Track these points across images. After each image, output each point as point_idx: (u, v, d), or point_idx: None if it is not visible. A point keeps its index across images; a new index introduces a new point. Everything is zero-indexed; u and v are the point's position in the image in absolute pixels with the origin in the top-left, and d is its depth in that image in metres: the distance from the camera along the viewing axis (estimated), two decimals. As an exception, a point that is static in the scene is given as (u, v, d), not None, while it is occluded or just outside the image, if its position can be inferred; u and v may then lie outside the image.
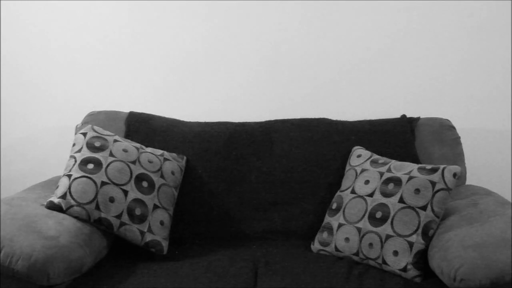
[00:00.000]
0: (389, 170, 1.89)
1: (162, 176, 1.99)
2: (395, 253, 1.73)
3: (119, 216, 1.83)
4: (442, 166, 1.82)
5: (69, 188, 1.82)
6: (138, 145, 2.05)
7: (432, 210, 1.75)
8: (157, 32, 2.46)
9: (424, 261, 1.71)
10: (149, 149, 2.06)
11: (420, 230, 1.73)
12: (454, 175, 1.79)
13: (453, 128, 2.20)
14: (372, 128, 2.17)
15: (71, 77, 2.51)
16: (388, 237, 1.76)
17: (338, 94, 2.42)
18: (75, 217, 1.78)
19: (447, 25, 2.35)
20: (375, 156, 2.03)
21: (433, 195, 1.76)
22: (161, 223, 1.92)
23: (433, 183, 1.78)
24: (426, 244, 1.72)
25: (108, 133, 2.03)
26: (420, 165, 1.89)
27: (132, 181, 1.90)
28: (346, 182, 2.01)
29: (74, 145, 1.97)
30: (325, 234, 1.94)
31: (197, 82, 2.49)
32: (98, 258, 1.78)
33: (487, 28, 2.33)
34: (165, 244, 1.90)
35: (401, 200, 1.79)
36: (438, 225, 1.76)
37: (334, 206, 1.97)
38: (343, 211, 1.91)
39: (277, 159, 2.14)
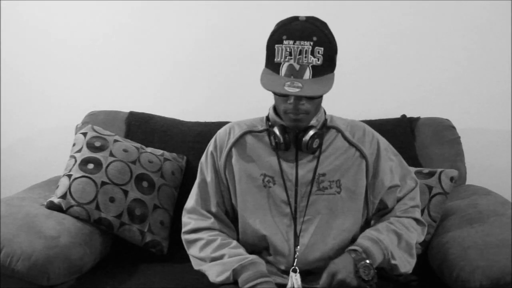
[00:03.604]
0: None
1: (162, 176, 1.98)
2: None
3: (119, 216, 1.83)
4: (439, 170, 1.82)
5: (69, 188, 1.82)
6: (138, 145, 2.04)
7: (429, 215, 1.75)
8: (157, 32, 2.46)
9: (421, 264, 1.70)
10: (149, 149, 2.06)
11: (417, 234, 1.73)
12: (451, 179, 1.79)
13: (453, 128, 2.19)
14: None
15: (71, 77, 2.51)
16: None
17: (338, 94, 2.41)
18: (75, 217, 1.78)
19: (447, 25, 2.34)
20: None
21: (430, 200, 1.76)
22: (161, 223, 1.91)
23: (429, 188, 1.78)
24: (422, 248, 1.72)
25: (108, 133, 2.03)
26: (417, 168, 1.88)
27: (132, 181, 1.89)
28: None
29: (74, 145, 1.97)
30: (325, 234, 1.93)
31: (197, 82, 2.49)
32: (99, 258, 1.78)
33: (487, 28, 2.33)
34: (165, 244, 1.90)
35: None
36: (438, 226, 1.76)
37: (334, 206, 1.96)
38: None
39: (277, 159, 2.13)
